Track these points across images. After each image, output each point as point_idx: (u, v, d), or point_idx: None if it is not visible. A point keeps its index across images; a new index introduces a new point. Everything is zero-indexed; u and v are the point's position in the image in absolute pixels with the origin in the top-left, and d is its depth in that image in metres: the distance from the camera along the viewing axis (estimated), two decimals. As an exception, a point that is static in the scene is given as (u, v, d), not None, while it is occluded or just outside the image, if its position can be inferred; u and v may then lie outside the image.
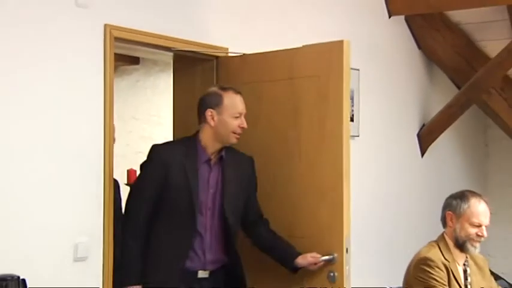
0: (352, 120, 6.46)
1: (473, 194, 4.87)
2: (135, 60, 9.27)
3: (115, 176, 4.86)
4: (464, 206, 4.74)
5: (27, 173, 4.17)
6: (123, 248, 4.51)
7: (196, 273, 4.67)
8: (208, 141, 4.52)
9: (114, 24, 4.58)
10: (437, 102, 7.40)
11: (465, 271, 4.81)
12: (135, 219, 4.47)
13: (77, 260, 4.39)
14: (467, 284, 4.80)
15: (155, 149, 4.59)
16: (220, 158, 4.73)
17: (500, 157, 8.15)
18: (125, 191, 8.47)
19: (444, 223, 4.83)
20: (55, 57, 4.31)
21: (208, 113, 4.46)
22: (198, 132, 4.58)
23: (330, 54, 4.65)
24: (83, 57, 4.46)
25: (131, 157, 9.07)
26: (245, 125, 4.62)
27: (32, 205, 4.18)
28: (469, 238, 4.71)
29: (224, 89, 4.55)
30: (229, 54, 5.28)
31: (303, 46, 4.80)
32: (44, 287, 4.01)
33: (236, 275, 4.79)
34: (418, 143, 7.32)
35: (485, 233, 4.73)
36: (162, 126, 7.73)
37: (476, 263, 4.93)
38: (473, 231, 4.70)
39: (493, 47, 7.16)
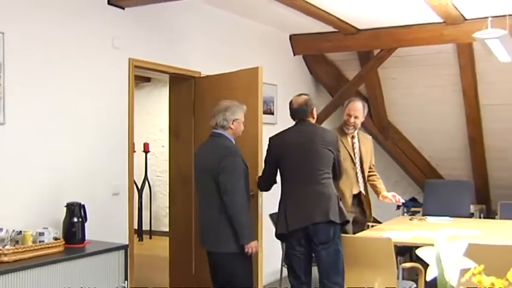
0: (272, 113, 6.53)
1: (353, 99, 4.85)
2: (147, 79, 9.29)
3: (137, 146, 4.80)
4: (345, 104, 4.76)
5: (88, 146, 4.23)
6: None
7: None
8: None
9: (135, 58, 4.62)
10: (321, 105, 7.37)
11: (353, 141, 4.71)
12: None
13: (113, 194, 4.46)
14: (354, 148, 4.71)
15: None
16: None
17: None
18: (140, 156, 8.55)
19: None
20: (100, 78, 4.37)
21: (314, 110, 4.07)
22: (308, 121, 4.03)
23: (252, 75, 4.64)
24: (117, 77, 4.52)
25: (145, 136, 9.12)
26: None
27: (88, 164, 4.23)
28: (344, 123, 4.70)
29: None
30: (201, 75, 5.26)
31: (239, 70, 4.81)
32: (94, 209, 4.02)
33: None
34: (309, 128, 7.32)
35: (351, 120, 4.64)
36: (163, 119, 7.74)
37: (362, 139, 4.84)
38: (345, 118, 4.70)
39: (350, 74, 7.19)
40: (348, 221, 4.03)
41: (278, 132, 4.14)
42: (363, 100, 4.90)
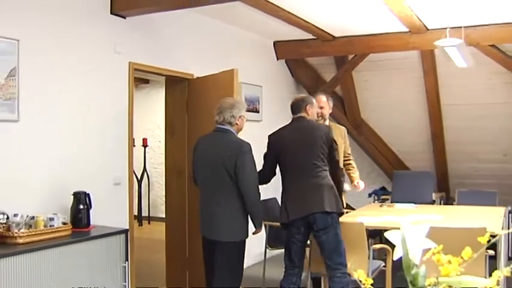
0: (258, 111, 6.53)
1: (317, 93, 4.82)
2: (146, 81, 9.23)
3: (137, 141, 4.76)
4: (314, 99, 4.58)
5: (93, 141, 4.22)
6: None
7: None
8: None
9: (134, 61, 4.60)
10: (300, 104, 7.48)
11: None
12: None
13: (115, 184, 4.44)
14: None
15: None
16: None
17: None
18: (139, 150, 8.52)
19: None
20: (103, 80, 4.35)
21: (308, 106, 3.96)
22: (303, 117, 3.93)
23: (230, 75, 4.59)
24: (118, 79, 4.50)
25: (144, 132, 9.08)
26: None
27: (93, 157, 4.22)
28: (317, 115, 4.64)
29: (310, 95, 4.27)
30: (194, 77, 5.26)
31: (221, 72, 4.78)
32: (98, 198, 3.99)
33: None
34: (291, 124, 7.30)
35: (318, 111, 4.47)
36: (160, 116, 7.71)
37: (335, 131, 4.49)
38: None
39: (327, 76, 7.23)
40: (342, 213, 3.99)
41: (276, 129, 4.05)
42: (327, 94, 4.89)
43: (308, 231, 3.84)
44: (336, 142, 4.01)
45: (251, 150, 3.67)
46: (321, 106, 4.67)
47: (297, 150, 3.88)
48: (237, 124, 3.79)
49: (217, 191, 3.68)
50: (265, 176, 4.00)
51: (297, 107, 4.01)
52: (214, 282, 3.73)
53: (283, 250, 3.93)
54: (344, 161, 4.87)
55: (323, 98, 4.76)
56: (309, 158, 3.85)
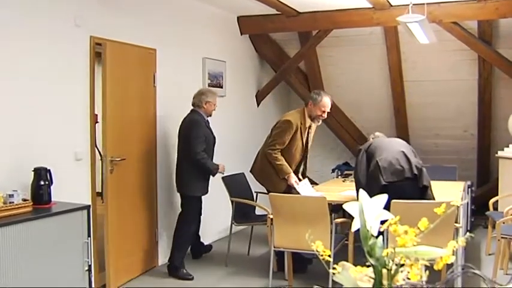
0: (221, 87, 6.51)
1: (325, 93, 4.90)
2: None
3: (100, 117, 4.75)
4: (319, 98, 4.78)
5: (54, 117, 4.12)
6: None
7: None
8: None
9: (95, 35, 4.50)
10: (265, 79, 7.43)
11: (309, 131, 4.89)
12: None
13: (76, 160, 4.36)
14: (309, 137, 4.91)
15: None
16: None
17: (296, 108, 8.10)
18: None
19: (306, 104, 4.85)
20: (66, 53, 4.25)
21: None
22: None
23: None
24: (80, 52, 4.39)
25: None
26: None
27: (54, 133, 4.14)
28: (316, 116, 4.80)
29: None
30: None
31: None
32: (60, 174, 3.92)
33: None
34: (256, 100, 7.31)
35: (324, 115, 4.81)
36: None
37: (313, 127, 4.98)
38: (318, 113, 4.79)
39: (291, 52, 7.25)
40: None
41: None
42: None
43: None
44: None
45: (198, 125, 4.74)
46: (324, 110, 4.77)
47: None
48: (204, 107, 4.85)
49: (184, 157, 4.73)
50: None
51: None
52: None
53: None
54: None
55: (328, 99, 4.80)
56: None
